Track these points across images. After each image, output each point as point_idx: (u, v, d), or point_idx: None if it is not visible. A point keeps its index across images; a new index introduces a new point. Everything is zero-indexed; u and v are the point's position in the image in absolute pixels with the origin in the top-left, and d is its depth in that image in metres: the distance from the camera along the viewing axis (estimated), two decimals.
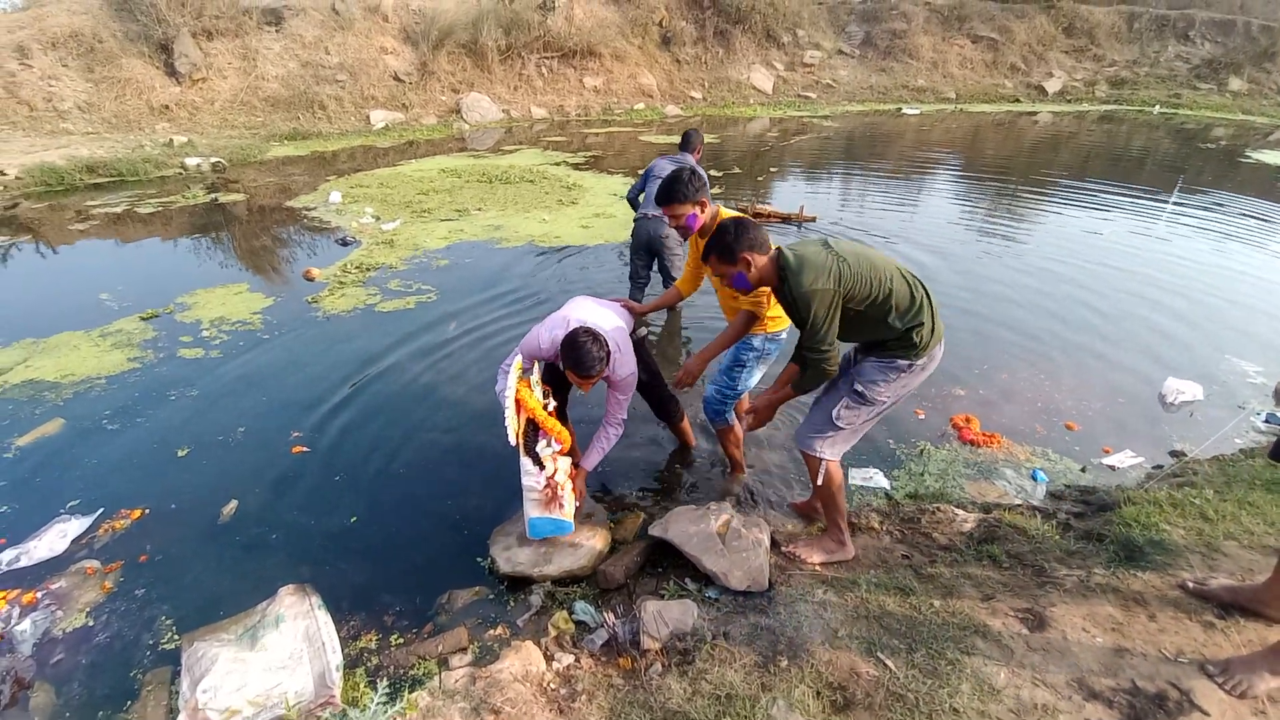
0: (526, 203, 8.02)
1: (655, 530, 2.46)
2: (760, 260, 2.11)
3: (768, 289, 2.30)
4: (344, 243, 6.56)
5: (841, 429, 2.24)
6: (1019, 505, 2.70)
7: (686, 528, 2.37)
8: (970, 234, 7.06)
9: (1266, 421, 3.51)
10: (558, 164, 10.51)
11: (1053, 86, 20.51)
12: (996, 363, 4.18)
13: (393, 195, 8.32)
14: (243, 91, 13.46)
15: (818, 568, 2.29)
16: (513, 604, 2.30)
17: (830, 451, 2.27)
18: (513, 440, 2.33)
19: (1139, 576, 2.01)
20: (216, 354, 4.31)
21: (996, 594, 1.98)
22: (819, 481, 2.31)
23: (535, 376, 2.54)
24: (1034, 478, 3.03)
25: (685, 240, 2.73)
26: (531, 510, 2.41)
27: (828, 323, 2.03)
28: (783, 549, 2.41)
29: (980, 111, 18.23)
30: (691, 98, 17.65)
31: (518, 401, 2.34)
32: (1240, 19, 20.66)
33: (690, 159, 4.42)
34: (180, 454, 3.32)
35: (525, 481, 2.37)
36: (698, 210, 2.45)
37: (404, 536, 2.76)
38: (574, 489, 2.53)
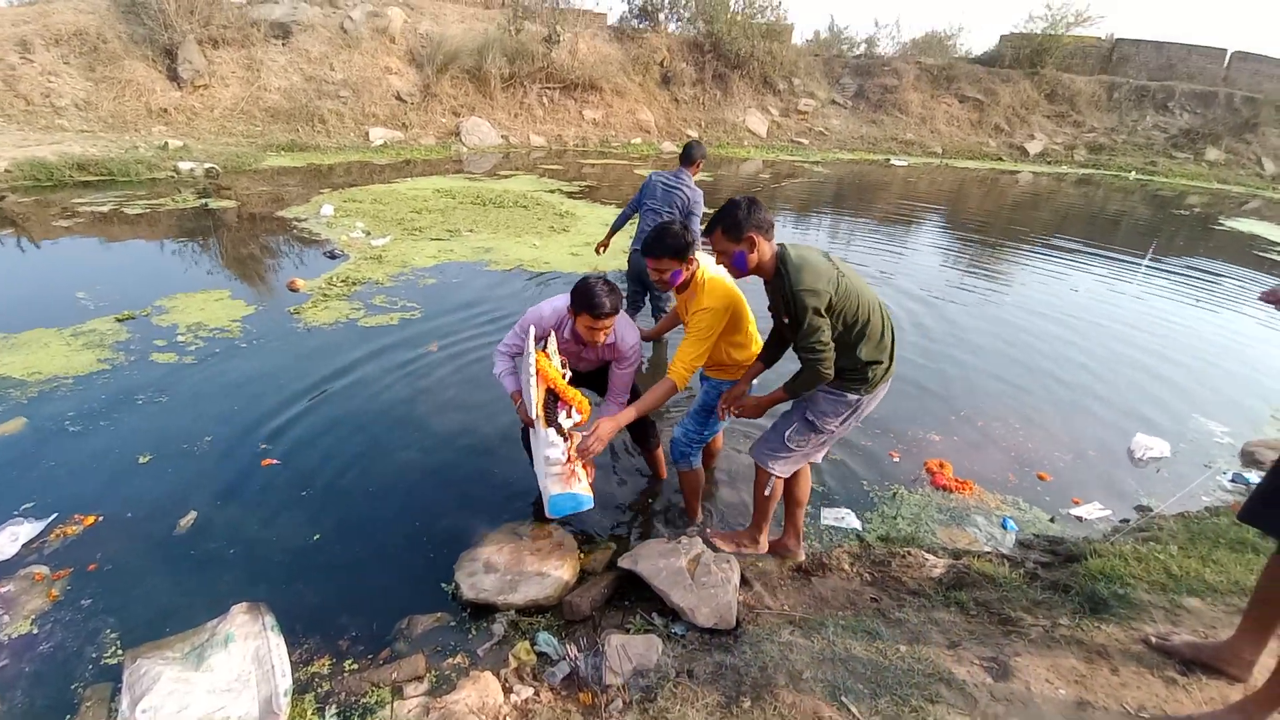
0: (518, 227, 8.08)
1: (625, 562, 2.43)
2: (764, 245, 2.12)
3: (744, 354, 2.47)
4: (332, 255, 6.54)
5: (793, 451, 2.40)
6: (988, 553, 2.70)
7: (656, 561, 2.34)
8: (953, 283, 7.21)
9: (1233, 480, 3.57)
10: (552, 191, 10.64)
11: (1034, 148, 21.29)
12: (973, 409, 4.24)
13: (385, 212, 8.34)
14: (244, 101, 13.53)
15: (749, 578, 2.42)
16: (474, 632, 2.24)
17: (782, 470, 2.46)
18: (534, 412, 2.27)
19: (1103, 629, 2.02)
20: (190, 360, 4.24)
21: (962, 641, 1.97)
22: (765, 492, 2.53)
23: (551, 347, 2.48)
24: (1004, 526, 3.04)
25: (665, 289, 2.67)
26: (553, 486, 2.29)
27: (821, 322, 2.07)
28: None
29: (965, 167, 18.82)
30: (688, 135, 18.03)
31: (538, 371, 2.28)
32: (1223, 90, 21.62)
33: (688, 176, 4.29)
34: (142, 460, 3.24)
35: (549, 454, 2.27)
36: (683, 268, 2.40)
37: (367, 557, 2.69)
38: (585, 466, 2.41)
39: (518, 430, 3.45)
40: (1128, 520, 3.17)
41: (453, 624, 2.29)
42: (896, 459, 3.58)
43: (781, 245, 2.17)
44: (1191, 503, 3.32)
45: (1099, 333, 5.90)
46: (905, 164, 18.28)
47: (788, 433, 2.38)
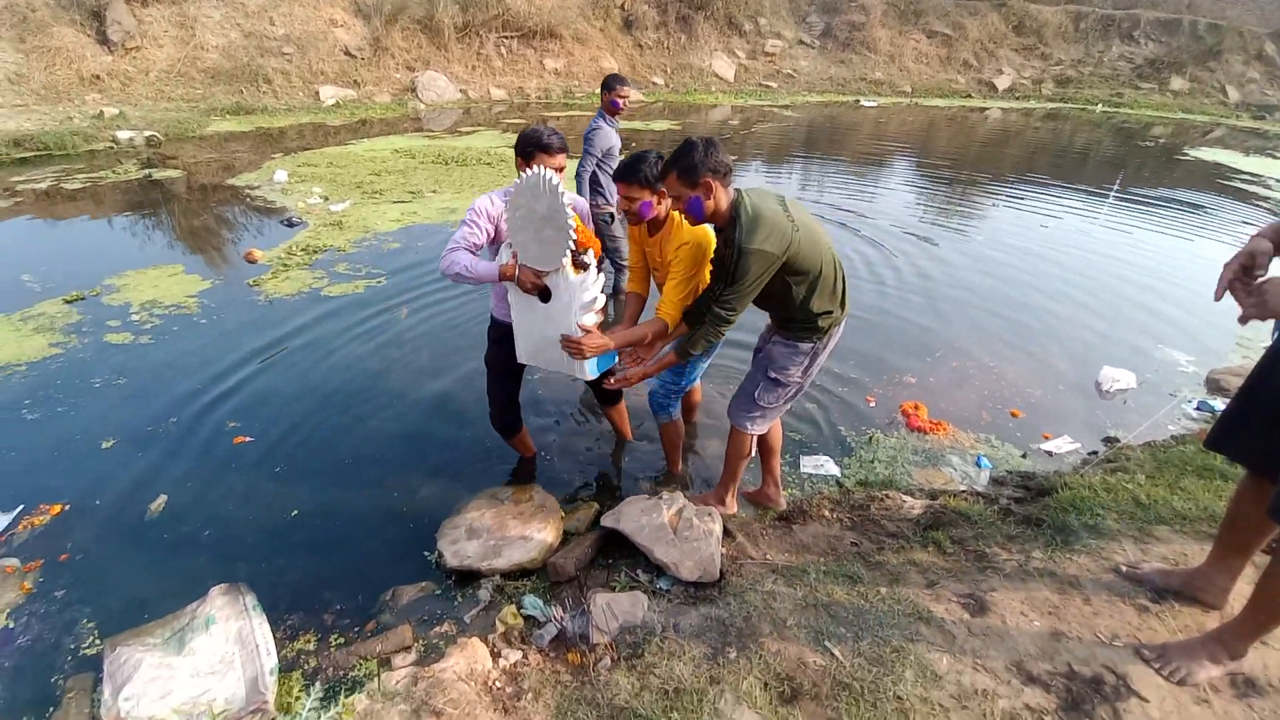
0: (483, 186, 7.82)
1: (607, 520, 2.43)
2: (720, 191, 2.04)
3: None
4: (290, 224, 6.28)
5: (766, 408, 2.41)
6: (964, 491, 2.76)
7: (639, 518, 2.34)
8: (925, 221, 7.20)
9: (1198, 409, 3.69)
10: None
11: (1002, 84, 21.09)
12: (947, 349, 4.28)
13: (343, 175, 8.00)
14: (180, 62, 12.72)
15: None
16: (460, 599, 2.24)
17: (759, 428, 2.47)
18: (563, 262, 2.11)
19: (1074, 560, 2.08)
20: (147, 339, 4.07)
21: (940, 580, 2.02)
22: (747, 451, 2.54)
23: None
24: (978, 464, 3.11)
25: (628, 224, 2.52)
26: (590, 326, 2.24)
27: (752, 287, 2.05)
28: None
29: (934, 106, 18.63)
30: (654, 83, 17.49)
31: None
32: (1187, 18, 21.49)
33: (599, 117, 4.22)
34: (105, 446, 3.13)
35: (585, 297, 2.18)
36: (653, 201, 2.31)
37: (348, 531, 2.66)
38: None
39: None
40: (1096, 453, 3.26)
41: (438, 593, 2.29)
42: (873, 403, 3.62)
43: (739, 192, 2.09)
44: (1158, 432, 3.42)
45: (1067, 268, 5.96)
46: (875, 105, 18.03)
47: (756, 392, 2.39)
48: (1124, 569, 2.06)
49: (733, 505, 2.69)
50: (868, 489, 2.80)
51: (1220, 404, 3.73)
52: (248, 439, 3.19)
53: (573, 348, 2.22)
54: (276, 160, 8.80)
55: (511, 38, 15.87)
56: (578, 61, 16.66)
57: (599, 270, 2.26)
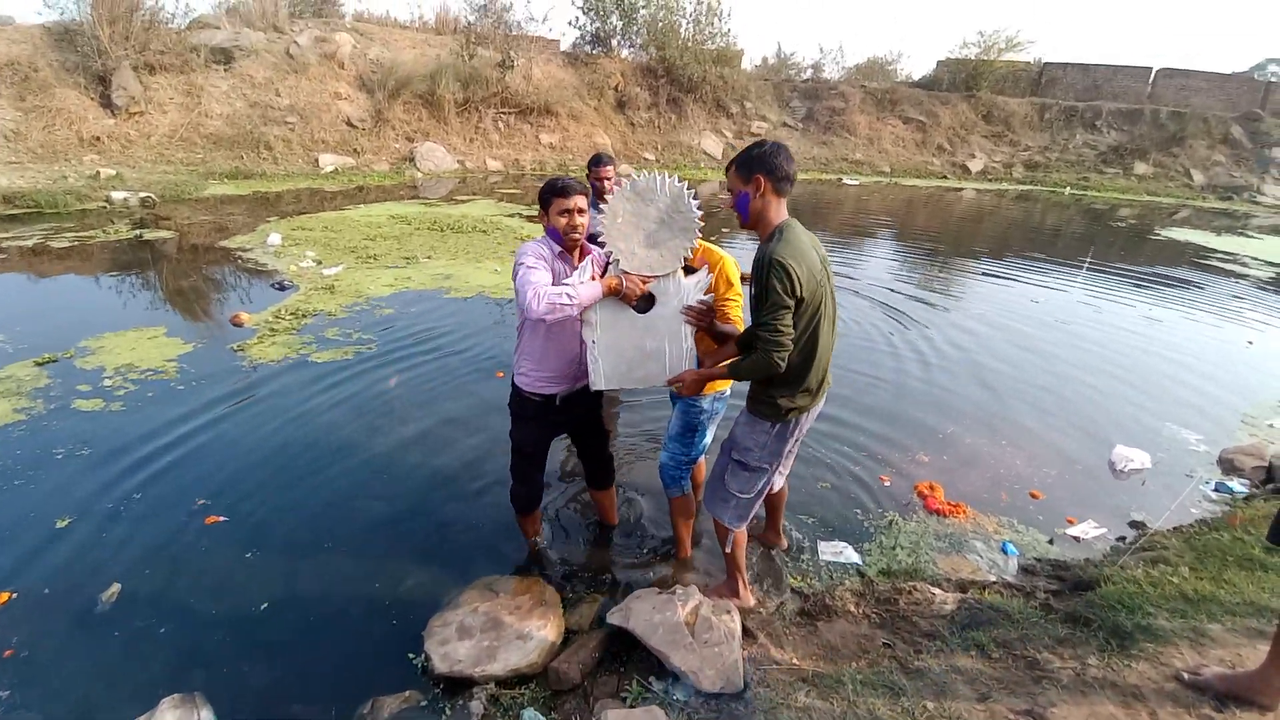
0: (478, 252, 7.83)
1: (615, 618, 2.20)
2: (772, 198, 1.99)
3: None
4: (280, 287, 6.17)
5: (737, 496, 2.22)
6: (995, 582, 2.58)
7: (650, 616, 2.12)
8: (915, 297, 7.25)
9: (1216, 490, 3.57)
10: (511, 215, 10.43)
11: (975, 166, 22.17)
12: (957, 427, 4.17)
13: (337, 240, 7.98)
14: (183, 127, 12.95)
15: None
16: (449, 712, 1.97)
17: (733, 520, 2.26)
18: (677, 268, 2.17)
19: (1133, 667, 1.89)
20: (118, 406, 3.84)
21: (992, 692, 1.81)
22: (727, 549, 2.36)
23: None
24: (1004, 550, 2.93)
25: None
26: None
27: (783, 300, 1.88)
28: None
29: (912, 185, 19.43)
30: (645, 159, 18.12)
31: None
32: (1148, 107, 22.89)
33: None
34: (60, 525, 2.86)
35: (694, 299, 2.19)
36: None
37: (324, 628, 2.39)
38: None
39: (492, 465, 3.26)
40: (1124, 538, 3.10)
41: (424, 703, 2.02)
42: (887, 483, 3.46)
43: (790, 219, 2.04)
44: (1182, 515, 3.29)
45: (1064, 342, 5.97)
46: (857, 183, 18.76)
47: (725, 479, 2.24)
48: (1185, 676, 1.89)
49: (748, 597, 2.47)
50: (892, 579, 2.61)
51: (1237, 485, 3.63)
52: (220, 519, 2.94)
53: (677, 386, 2.22)
54: (271, 224, 8.80)
55: (509, 114, 16.47)
56: (572, 137, 17.26)
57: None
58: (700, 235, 2.22)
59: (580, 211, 2.20)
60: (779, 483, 2.58)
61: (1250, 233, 14.51)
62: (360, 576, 2.62)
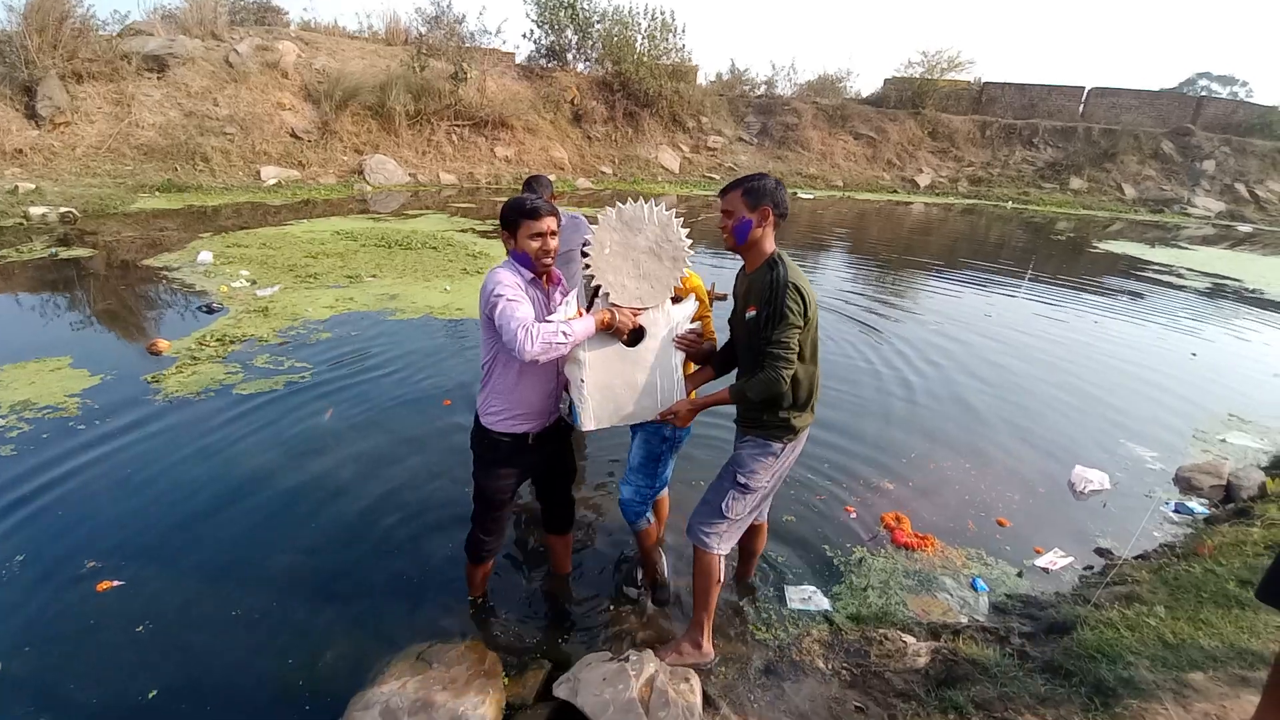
0: (427, 270, 7.50)
1: (561, 691, 1.97)
2: (769, 229, 2.08)
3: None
4: (209, 310, 5.73)
5: (731, 520, 2.21)
6: (968, 627, 2.44)
7: (601, 692, 1.89)
8: (866, 311, 7.25)
9: (1177, 511, 3.55)
10: (464, 230, 10.11)
11: (923, 181, 22.83)
12: (919, 449, 4.08)
13: (275, 257, 7.54)
14: (111, 138, 12.20)
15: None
16: None
17: (723, 546, 2.22)
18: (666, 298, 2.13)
19: None
20: (9, 451, 3.41)
21: None
22: (710, 583, 2.25)
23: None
24: (975, 587, 2.81)
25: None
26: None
27: (796, 322, 1.97)
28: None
29: (865, 199, 19.83)
30: (602, 172, 17.99)
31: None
32: (1081, 125, 24.00)
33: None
34: None
35: (683, 329, 2.19)
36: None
37: (221, 716, 2.08)
38: None
39: (431, 507, 2.98)
40: (1091, 567, 3.03)
41: None
42: (853, 514, 3.31)
43: (779, 251, 2.11)
44: (1146, 540, 3.24)
45: (1018, 357, 6.02)
46: (811, 197, 19.03)
47: (725, 503, 2.19)
48: None
49: (710, 650, 2.27)
50: (861, 626, 2.44)
51: (1197, 505, 3.63)
52: (114, 584, 2.58)
53: (670, 419, 2.19)
54: (204, 240, 8.28)
55: (463, 126, 16.13)
56: (528, 150, 17.01)
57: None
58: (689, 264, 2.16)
59: (553, 234, 2.06)
60: (764, 510, 2.52)
61: (1182, 244, 15.24)
62: (271, 651, 2.31)
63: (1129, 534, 3.28)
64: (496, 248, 8.88)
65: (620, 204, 2.05)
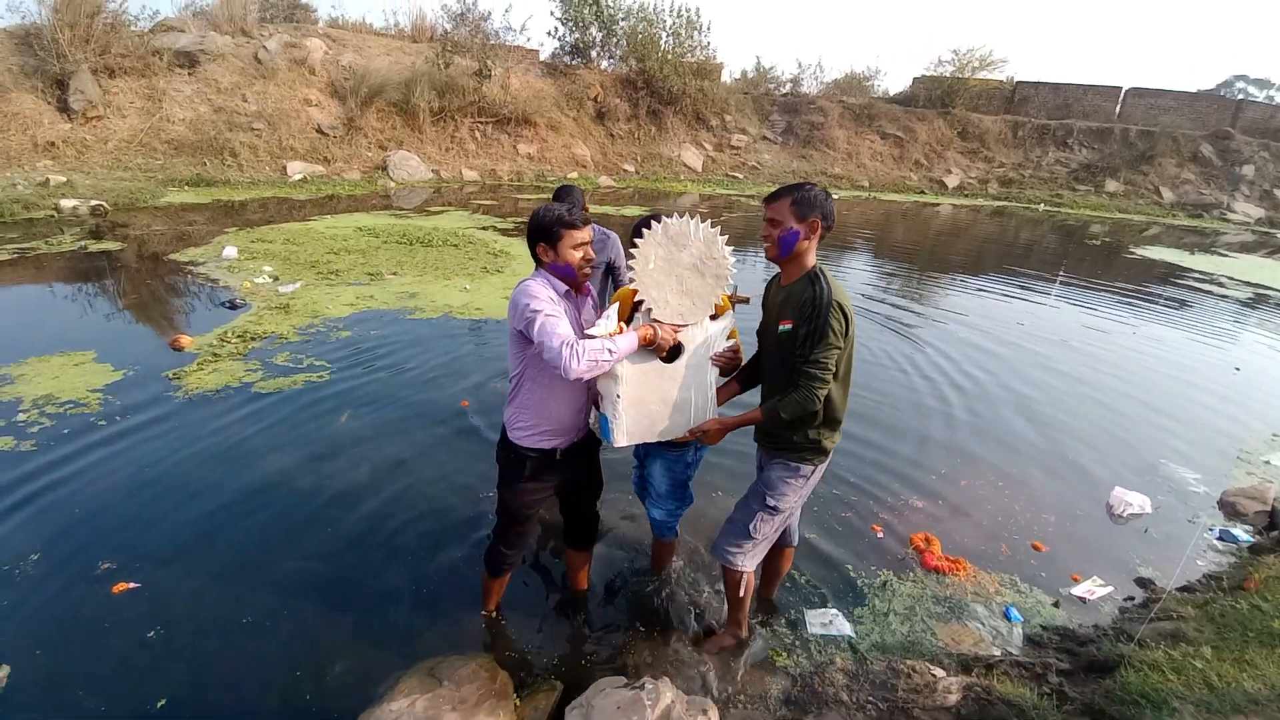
0: (448, 268, 7.49)
1: (574, 717, 1.90)
2: (814, 240, 2.01)
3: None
4: (232, 305, 5.77)
5: (757, 540, 2.21)
6: (1001, 661, 2.31)
7: (614, 719, 1.82)
8: (893, 319, 7.07)
9: (1221, 539, 3.38)
10: (485, 228, 10.10)
11: (952, 182, 22.37)
12: (951, 467, 3.93)
13: (298, 254, 7.58)
14: (143, 133, 12.42)
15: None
16: None
17: (750, 563, 2.24)
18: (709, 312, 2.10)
19: None
20: (29, 446, 3.44)
21: None
22: (740, 593, 2.30)
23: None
24: (1008, 616, 2.68)
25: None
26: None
27: (837, 343, 1.93)
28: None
29: (891, 200, 19.50)
30: (625, 170, 17.92)
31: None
32: (1118, 126, 23.34)
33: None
34: None
35: (720, 345, 2.14)
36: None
37: None
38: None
39: (448, 516, 2.94)
40: (1132, 598, 2.88)
41: None
42: (880, 534, 3.19)
43: (820, 266, 2.05)
44: (1189, 568, 3.08)
45: (1054, 368, 5.82)
46: (836, 197, 18.65)
47: (753, 524, 2.18)
48: None
49: (747, 632, 2.43)
50: (888, 656, 2.34)
51: (1241, 532, 3.44)
52: (130, 585, 2.57)
53: (701, 436, 2.15)
54: (230, 235, 8.37)
55: (486, 123, 16.16)
56: (550, 147, 17.00)
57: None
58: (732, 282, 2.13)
59: (590, 243, 2.03)
60: (794, 533, 2.54)
61: (1222, 250, 14.73)
62: (279, 660, 2.27)
63: (1171, 562, 3.12)
64: (517, 246, 8.85)
65: (666, 218, 2.01)
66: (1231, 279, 11.21)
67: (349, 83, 14.55)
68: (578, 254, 1.96)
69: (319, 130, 14.10)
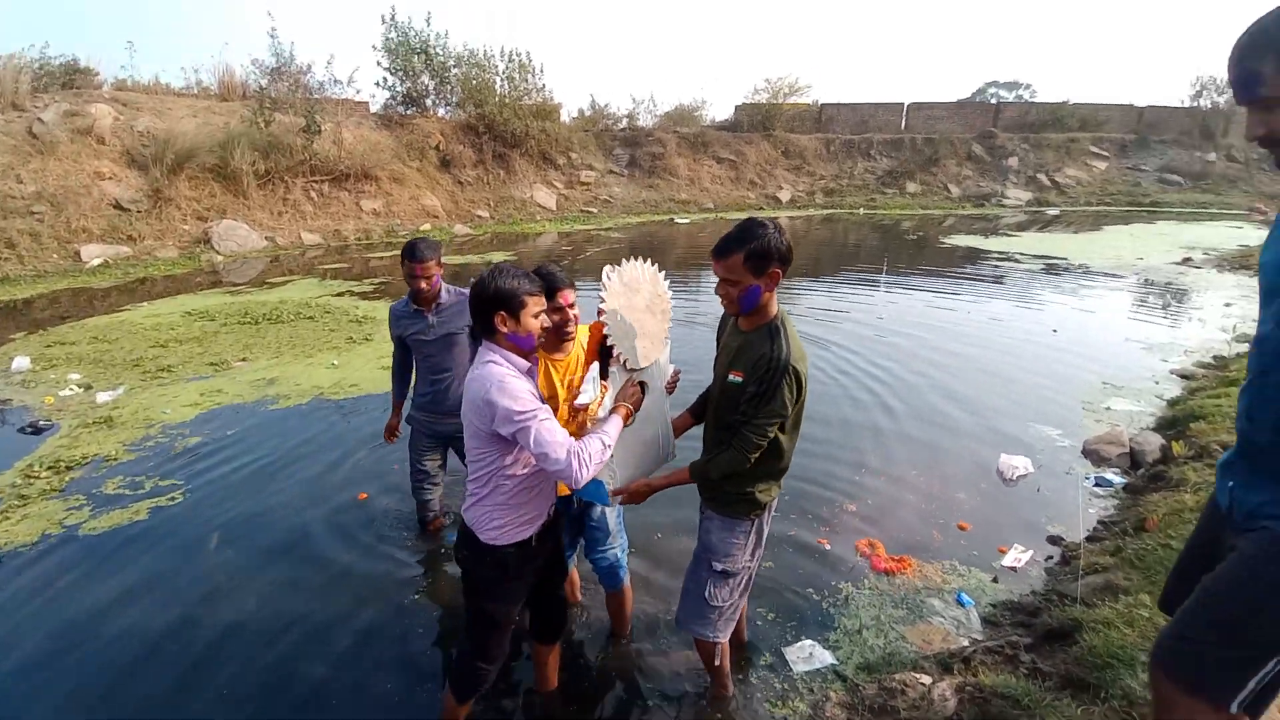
0: (308, 345, 6.73)
1: None
2: (773, 292, 1.85)
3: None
4: (35, 429, 4.72)
5: (720, 607, 2.06)
6: (973, 651, 2.38)
7: None
8: None
9: (1098, 485, 3.81)
10: (341, 294, 9.30)
11: (784, 196, 24.42)
12: (867, 460, 4.14)
13: (112, 352, 6.44)
14: None
15: None
16: None
17: (724, 632, 2.11)
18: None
19: None
20: None
21: None
22: (717, 662, 2.17)
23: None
24: (960, 602, 2.80)
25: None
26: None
27: (787, 411, 1.82)
28: None
29: (736, 218, 20.68)
30: (479, 216, 17.51)
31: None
32: (907, 136, 26.88)
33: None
34: None
35: (669, 371, 2.18)
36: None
37: None
38: None
39: (371, 645, 2.50)
40: (1050, 557, 3.14)
41: None
42: (827, 545, 3.23)
43: (782, 315, 1.92)
44: (1086, 519, 3.42)
45: (912, 354, 6.37)
46: (687, 221, 19.69)
47: (706, 593, 2.04)
48: None
49: (731, 686, 2.32)
50: (875, 676, 2.32)
51: (1113, 475, 3.92)
52: None
53: (619, 500, 2.05)
54: (16, 341, 6.94)
55: (321, 181, 15.05)
56: (397, 201, 16.19)
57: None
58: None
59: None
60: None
61: (1008, 231, 17.28)
62: None
63: (1069, 516, 3.46)
64: (381, 309, 8.20)
65: (616, 266, 1.93)
66: (1024, 254, 13.15)
67: (149, 150, 12.89)
68: (538, 322, 1.79)
69: (117, 206, 12.30)
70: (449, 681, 2.04)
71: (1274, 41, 1.13)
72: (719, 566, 2.00)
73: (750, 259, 1.76)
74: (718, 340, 2.11)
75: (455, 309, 3.06)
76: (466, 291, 3.03)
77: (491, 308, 1.74)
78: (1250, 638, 1.23)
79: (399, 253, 3.05)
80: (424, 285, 2.94)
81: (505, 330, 1.75)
